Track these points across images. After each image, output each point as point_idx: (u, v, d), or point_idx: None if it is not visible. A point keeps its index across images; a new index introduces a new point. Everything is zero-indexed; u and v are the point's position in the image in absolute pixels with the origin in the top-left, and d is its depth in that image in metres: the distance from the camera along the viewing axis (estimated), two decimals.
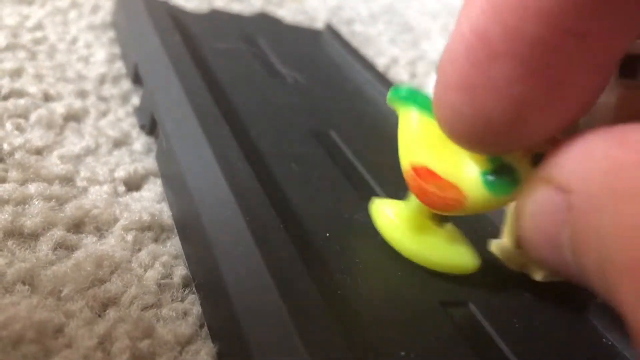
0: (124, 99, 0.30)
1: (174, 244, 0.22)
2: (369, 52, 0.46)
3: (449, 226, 0.20)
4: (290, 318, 0.15)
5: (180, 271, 0.21)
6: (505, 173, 0.16)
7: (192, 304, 0.20)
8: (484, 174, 0.16)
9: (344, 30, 0.49)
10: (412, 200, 0.19)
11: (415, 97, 0.18)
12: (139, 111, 0.28)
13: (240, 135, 0.24)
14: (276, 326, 0.16)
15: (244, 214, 0.18)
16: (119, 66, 0.32)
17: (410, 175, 0.18)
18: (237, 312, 0.17)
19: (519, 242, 0.20)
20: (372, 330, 0.17)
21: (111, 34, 0.35)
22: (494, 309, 0.20)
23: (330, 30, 0.39)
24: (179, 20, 0.34)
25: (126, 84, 0.31)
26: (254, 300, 0.17)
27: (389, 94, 0.19)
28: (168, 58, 0.27)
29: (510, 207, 0.20)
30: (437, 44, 0.53)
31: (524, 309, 0.20)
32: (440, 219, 0.19)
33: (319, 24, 0.49)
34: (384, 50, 0.48)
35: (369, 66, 0.35)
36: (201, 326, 0.19)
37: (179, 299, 0.20)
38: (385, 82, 0.33)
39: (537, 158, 0.15)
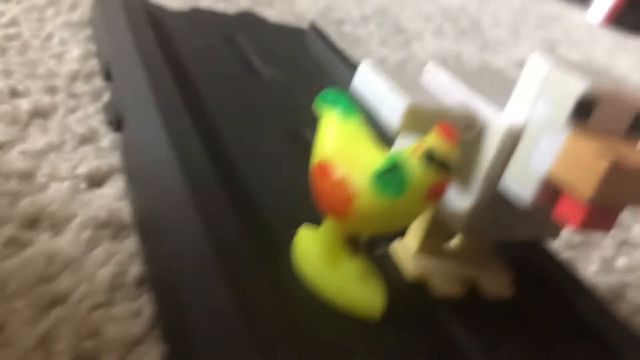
0: (96, 96, 0.29)
1: (131, 242, 0.21)
2: (357, 52, 0.46)
3: (360, 260, 0.18)
4: (238, 317, 0.15)
5: (136, 269, 0.20)
6: (395, 173, 0.15)
7: (146, 304, 0.19)
8: (376, 172, 0.16)
9: (333, 31, 0.48)
10: (327, 226, 0.18)
11: (340, 101, 0.18)
12: (107, 107, 0.28)
13: (207, 132, 0.23)
14: (224, 324, 0.15)
15: (199, 211, 0.18)
16: (94, 63, 0.32)
17: (313, 172, 0.17)
18: (186, 310, 0.17)
19: (423, 246, 0.20)
20: (322, 328, 0.16)
21: (89, 31, 0.35)
22: None
23: (314, 29, 0.38)
24: (158, 18, 0.33)
25: (99, 82, 0.30)
26: (203, 298, 0.16)
27: (317, 99, 0.18)
28: (138, 55, 0.26)
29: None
30: (428, 46, 0.52)
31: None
32: (353, 248, 0.18)
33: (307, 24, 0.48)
34: (372, 50, 0.47)
35: (350, 65, 0.34)
36: (153, 327, 0.18)
37: (132, 298, 0.19)
38: None
39: (429, 156, 0.15)
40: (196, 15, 0.36)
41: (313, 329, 0.16)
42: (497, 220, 0.18)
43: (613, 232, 0.31)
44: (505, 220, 0.18)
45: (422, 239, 0.20)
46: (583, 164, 0.15)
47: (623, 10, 0.92)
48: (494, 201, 0.17)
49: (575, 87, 0.15)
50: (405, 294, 0.19)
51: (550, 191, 0.16)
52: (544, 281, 0.21)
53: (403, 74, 0.18)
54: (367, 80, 0.18)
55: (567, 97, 0.15)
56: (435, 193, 0.15)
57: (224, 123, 0.25)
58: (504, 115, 0.17)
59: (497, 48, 0.58)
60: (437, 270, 0.20)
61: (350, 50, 0.45)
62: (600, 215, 0.15)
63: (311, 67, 0.34)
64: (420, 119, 0.16)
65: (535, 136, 0.16)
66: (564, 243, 0.28)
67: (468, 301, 0.19)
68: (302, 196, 0.21)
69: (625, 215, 0.33)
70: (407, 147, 0.16)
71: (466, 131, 0.17)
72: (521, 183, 0.16)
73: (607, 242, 0.29)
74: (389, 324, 0.17)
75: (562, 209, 0.16)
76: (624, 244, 0.30)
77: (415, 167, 0.15)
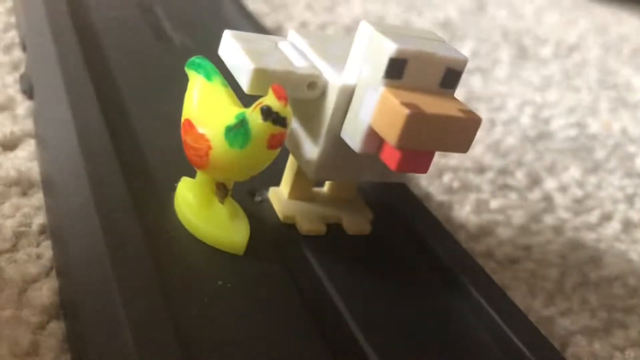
0: (14, 66, 0.31)
1: (38, 198, 0.24)
2: (279, 16, 0.48)
3: (229, 203, 0.21)
4: (112, 263, 0.17)
5: (39, 220, 0.23)
6: (240, 127, 0.18)
7: (46, 249, 0.22)
8: (227, 127, 0.18)
9: None
10: (199, 176, 0.21)
11: (204, 66, 0.20)
12: (22, 77, 0.30)
13: (108, 99, 0.26)
14: (100, 274, 0.18)
15: (89, 175, 0.20)
16: (13, 35, 0.34)
17: (181, 129, 0.20)
18: (72, 253, 0.19)
19: (292, 192, 0.23)
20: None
21: (10, 3, 0.36)
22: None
23: None
24: None
25: (18, 53, 0.32)
26: (85, 246, 0.19)
27: (187, 63, 0.21)
28: (49, 27, 0.28)
29: (290, 160, 0.23)
30: (353, 8, 0.55)
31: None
32: (222, 194, 0.21)
33: None
34: (296, 14, 0.49)
35: (262, 32, 0.37)
36: (52, 268, 0.21)
37: (35, 245, 0.22)
38: None
39: (265, 112, 0.18)
40: None
41: (184, 262, 0.19)
42: (343, 166, 0.21)
43: (493, 176, 0.34)
44: (351, 165, 0.21)
45: (291, 185, 0.23)
46: (390, 115, 0.18)
47: None
48: (338, 149, 0.20)
49: (387, 49, 0.18)
50: (275, 233, 0.22)
51: (375, 139, 0.19)
52: (402, 220, 0.24)
53: (265, 41, 0.21)
54: (229, 47, 0.20)
55: (382, 57, 0.18)
56: (274, 143, 0.18)
57: (127, 89, 0.27)
58: (340, 76, 0.20)
59: (423, 8, 0.61)
60: (303, 211, 0.23)
61: (274, 15, 0.47)
62: (414, 158, 0.18)
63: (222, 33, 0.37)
64: (267, 80, 0.19)
65: (362, 93, 0.19)
66: (443, 188, 0.31)
67: (330, 238, 0.22)
68: None
69: (507, 161, 0.36)
70: (252, 107, 0.18)
71: (308, 90, 0.20)
72: (353, 133, 0.19)
73: (485, 186, 0.33)
74: (254, 258, 0.20)
75: (384, 155, 0.19)
76: (503, 188, 0.33)
77: (255, 122, 0.18)
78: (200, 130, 0.19)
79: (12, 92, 0.29)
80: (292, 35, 0.22)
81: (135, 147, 0.24)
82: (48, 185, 0.23)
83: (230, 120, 0.19)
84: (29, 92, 0.29)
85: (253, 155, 0.18)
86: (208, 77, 0.20)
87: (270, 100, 0.18)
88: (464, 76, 0.46)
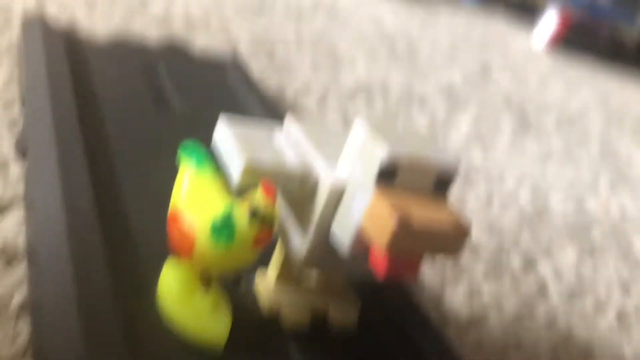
0: (13, 123, 0.31)
1: (23, 268, 0.23)
2: (283, 78, 0.48)
3: (213, 294, 0.20)
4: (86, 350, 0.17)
5: (20, 295, 0.22)
6: (227, 225, 0.18)
7: (24, 327, 0.21)
8: (213, 223, 0.18)
9: (264, 56, 0.50)
10: (183, 264, 0.20)
11: (196, 153, 0.20)
12: (18, 136, 0.30)
13: (100, 169, 0.25)
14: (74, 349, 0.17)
15: (72, 251, 0.20)
16: (15, 90, 0.34)
17: (168, 219, 0.20)
18: (44, 337, 0.19)
19: (280, 276, 0.22)
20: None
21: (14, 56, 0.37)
22: None
23: (234, 61, 0.40)
24: (77, 49, 0.35)
25: (18, 109, 0.32)
26: (59, 329, 0.19)
27: (180, 146, 0.21)
28: (47, 84, 0.29)
29: (279, 244, 0.22)
30: (358, 71, 0.55)
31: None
32: (206, 284, 0.20)
33: (241, 48, 0.50)
34: (299, 76, 0.50)
35: (263, 99, 0.37)
36: (26, 350, 0.20)
37: (13, 323, 0.21)
38: (274, 116, 0.35)
39: (252, 212, 0.17)
40: (119, 45, 0.38)
41: (160, 354, 0.19)
42: (332, 257, 0.21)
43: (487, 256, 0.33)
44: (341, 257, 0.21)
45: (278, 273, 0.22)
46: (380, 221, 0.17)
47: (568, 35, 0.96)
48: (328, 242, 0.20)
49: (379, 154, 0.18)
50: (258, 325, 0.22)
51: (365, 241, 0.18)
52: (390, 314, 0.24)
53: (259, 129, 0.21)
54: (223, 135, 0.20)
55: (374, 161, 0.18)
56: (260, 242, 0.18)
57: (119, 156, 0.27)
58: (332, 172, 0.19)
59: (428, 73, 0.61)
60: (289, 301, 0.22)
61: (277, 76, 0.48)
62: (402, 265, 0.18)
63: (225, 101, 0.37)
64: (258, 175, 0.19)
65: (354, 193, 0.19)
66: (436, 270, 0.31)
67: (314, 331, 0.22)
68: None
69: (504, 243, 0.36)
70: (239, 202, 0.18)
71: (299, 186, 0.20)
72: (342, 233, 0.19)
73: (479, 268, 0.32)
74: (234, 353, 0.20)
75: (372, 259, 0.18)
76: (497, 271, 0.33)
77: (242, 220, 0.18)
78: (187, 222, 0.19)
79: (5, 151, 0.29)
80: (289, 123, 0.22)
81: (123, 222, 0.23)
82: (31, 254, 0.23)
83: (218, 215, 0.18)
84: (23, 151, 0.28)
85: (238, 252, 0.18)
86: (199, 165, 0.20)
87: (258, 199, 0.18)
88: (464, 148, 0.46)
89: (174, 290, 0.20)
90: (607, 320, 0.32)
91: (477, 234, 0.36)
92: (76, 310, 0.18)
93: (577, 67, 0.89)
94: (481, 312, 0.29)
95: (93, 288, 0.19)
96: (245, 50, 0.50)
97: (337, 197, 0.19)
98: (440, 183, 0.19)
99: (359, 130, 0.19)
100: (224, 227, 0.18)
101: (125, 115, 0.31)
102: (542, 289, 0.33)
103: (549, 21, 0.96)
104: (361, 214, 0.18)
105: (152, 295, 0.21)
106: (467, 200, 0.39)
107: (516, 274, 0.33)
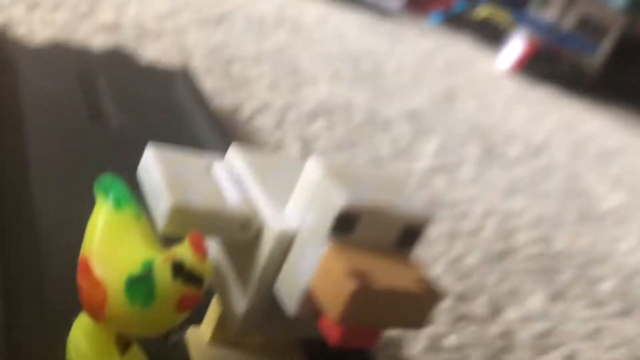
0: None
1: None
2: (240, 95, 0.45)
3: (133, 355, 0.17)
4: None
5: None
6: (144, 281, 0.15)
7: None
8: (129, 277, 0.15)
9: (220, 70, 0.47)
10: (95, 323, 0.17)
11: (114, 189, 0.17)
12: None
13: (18, 194, 0.22)
14: None
15: None
16: None
17: (79, 268, 0.16)
18: None
19: (214, 336, 0.19)
20: None
21: None
22: None
23: (183, 73, 0.37)
24: (11, 55, 0.31)
25: None
26: None
27: (95, 183, 0.17)
28: None
29: (215, 299, 0.19)
30: (319, 91, 0.52)
31: None
32: (122, 347, 0.17)
33: (195, 61, 0.47)
34: (257, 94, 0.46)
35: (212, 117, 0.34)
36: None
37: None
38: (224, 136, 0.32)
39: (176, 268, 0.14)
40: (55, 49, 0.35)
41: None
42: (275, 322, 0.17)
43: (451, 304, 0.31)
44: (285, 321, 0.18)
45: (214, 329, 0.19)
46: (332, 283, 0.14)
47: (531, 60, 0.96)
48: (270, 303, 0.17)
49: (336, 200, 0.15)
50: None
51: (314, 304, 0.15)
52: None
53: (195, 164, 0.18)
54: (148, 168, 0.17)
55: (329, 209, 0.15)
56: (185, 305, 0.15)
57: (42, 183, 0.23)
58: (280, 218, 0.16)
59: (392, 95, 0.59)
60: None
61: (234, 93, 0.44)
62: (359, 333, 0.15)
63: (171, 117, 0.33)
64: (189, 219, 0.16)
65: (304, 245, 0.16)
66: None
67: None
68: None
69: (469, 287, 0.33)
70: (161, 254, 0.15)
71: (240, 232, 0.16)
72: (288, 292, 0.16)
73: (442, 316, 0.30)
74: None
75: (323, 324, 0.15)
76: (461, 319, 0.30)
77: (163, 277, 0.14)
78: (98, 274, 0.15)
79: None
80: (232, 154, 0.19)
81: (33, 266, 0.20)
82: None
83: (135, 268, 0.15)
84: None
85: (157, 316, 0.15)
86: (117, 204, 0.16)
87: (184, 252, 0.14)
88: (427, 177, 0.44)
89: (85, 353, 0.17)
90: None
91: (440, 274, 0.33)
92: None
93: (540, 92, 0.89)
94: None
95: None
96: (199, 64, 0.47)
97: (283, 249, 0.16)
98: (407, 237, 0.16)
99: (314, 170, 0.16)
100: (141, 284, 0.15)
101: (52, 129, 0.27)
102: (508, 340, 0.30)
103: (515, 44, 0.95)
104: (310, 272, 0.15)
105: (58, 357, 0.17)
106: (430, 237, 0.37)
107: (482, 322, 0.31)
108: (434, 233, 0.37)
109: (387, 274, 0.15)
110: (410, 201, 0.16)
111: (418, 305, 0.15)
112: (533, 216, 0.46)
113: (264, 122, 0.43)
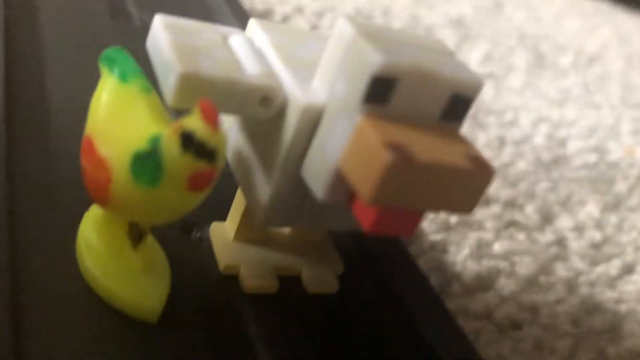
0: None
1: None
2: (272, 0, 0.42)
3: (144, 251, 0.15)
4: None
5: None
6: (151, 157, 0.13)
7: None
8: (135, 153, 0.13)
9: None
10: (106, 211, 0.15)
11: (119, 61, 0.15)
12: None
13: (39, 87, 0.20)
14: None
15: None
16: None
17: (82, 147, 0.14)
18: None
19: (239, 232, 0.17)
20: None
21: None
22: None
23: None
24: None
25: None
26: None
27: (100, 56, 0.15)
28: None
29: (239, 192, 0.17)
30: None
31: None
32: (135, 237, 0.15)
33: None
34: None
35: (241, 14, 0.31)
36: None
37: None
38: None
39: (186, 140, 0.12)
40: None
41: (79, 332, 0.14)
42: (303, 211, 0.16)
43: (499, 210, 0.29)
44: (314, 210, 0.16)
45: (239, 224, 0.17)
46: (366, 158, 0.12)
47: None
48: (297, 190, 0.15)
49: (370, 62, 0.13)
50: (209, 288, 0.17)
51: (346, 186, 0.13)
52: (379, 275, 0.19)
53: (210, 33, 0.16)
54: (156, 38, 0.15)
55: (362, 72, 0.13)
56: (197, 183, 0.13)
57: (64, 75, 0.22)
58: (306, 91, 0.14)
59: (435, 2, 0.55)
60: (251, 260, 0.17)
61: None
62: (396, 217, 0.13)
63: (194, 11, 0.31)
64: (200, 90, 0.14)
65: (333, 119, 0.13)
66: (438, 223, 0.26)
67: (281, 298, 0.17)
68: None
69: (516, 191, 0.31)
70: (170, 127, 0.13)
71: (261, 107, 0.14)
72: (316, 174, 0.14)
73: (489, 222, 0.27)
74: (174, 327, 0.15)
75: (355, 208, 0.13)
76: (510, 226, 0.28)
77: (171, 151, 0.13)
78: (102, 153, 0.14)
79: None
80: (252, 26, 0.17)
81: (44, 157, 0.18)
82: None
83: (142, 143, 0.13)
84: None
85: (166, 197, 0.13)
86: (123, 77, 0.15)
87: (194, 122, 0.12)
88: None
89: (95, 246, 0.15)
90: (636, 284, 0.27)
91: None
92: None
93: (592, 5, 0.83)
94: (490, 274, 0.24)
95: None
96: None
97: (311, 124, 0.14)
98: (453, 108, 0.14)
99: (344, 32, 0.14)
100: (148, 160, 0.13)
101: (75, 28, 0.25)
102: (561, 248, 0.28)
103: None
104: (341, 148, 0.13)
105: (69, 253, 0.16)
106: (475, 144, 0.34)
107: (532, 230, 0.29)
108: (481, 138, 0.35)
109: (430, 148, 0.13)
110: (457, 65, 0.14)
111: (467, 183, 0.13)
112: (586, 126, 0.43)
113: (297, 20, 0.40)
